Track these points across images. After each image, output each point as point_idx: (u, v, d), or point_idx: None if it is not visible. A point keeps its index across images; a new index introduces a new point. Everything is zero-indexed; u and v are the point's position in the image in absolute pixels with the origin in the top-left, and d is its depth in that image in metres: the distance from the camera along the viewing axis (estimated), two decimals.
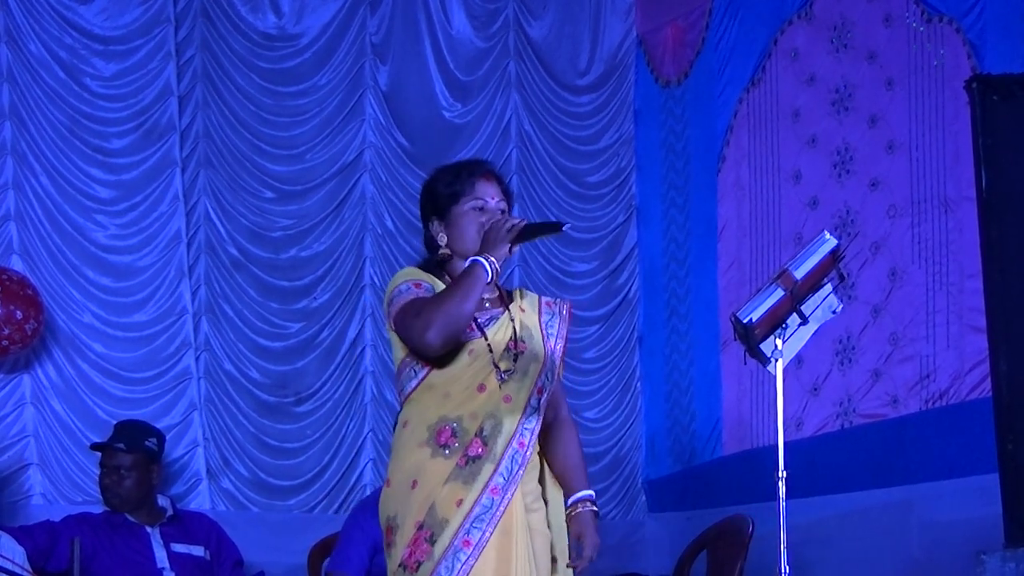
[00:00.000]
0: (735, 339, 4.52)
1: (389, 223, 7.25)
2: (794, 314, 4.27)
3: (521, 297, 3.77)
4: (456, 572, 3.48)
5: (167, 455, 6.38)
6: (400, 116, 7.39)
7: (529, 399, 3.62)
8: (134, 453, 5.83)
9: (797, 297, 4.24)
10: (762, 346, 4.29)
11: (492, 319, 3.66)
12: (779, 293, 4.22)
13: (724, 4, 7.29)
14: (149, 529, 5.78)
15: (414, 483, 3.56)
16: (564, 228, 3.57)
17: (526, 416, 3.60)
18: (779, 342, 4.27)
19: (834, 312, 4.34)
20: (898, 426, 6.18)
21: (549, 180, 7.65)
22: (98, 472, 5.93)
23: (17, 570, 5.29)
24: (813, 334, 4.39)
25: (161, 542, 5.76)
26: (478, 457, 3.55)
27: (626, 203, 7.80)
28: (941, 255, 6.05)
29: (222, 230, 7.03)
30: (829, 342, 6.44)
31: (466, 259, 3.58)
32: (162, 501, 5.92)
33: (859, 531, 6.19)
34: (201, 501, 6.75)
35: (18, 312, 6.15)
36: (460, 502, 3.52)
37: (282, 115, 7.18)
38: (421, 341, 3.51)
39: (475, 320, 3.61)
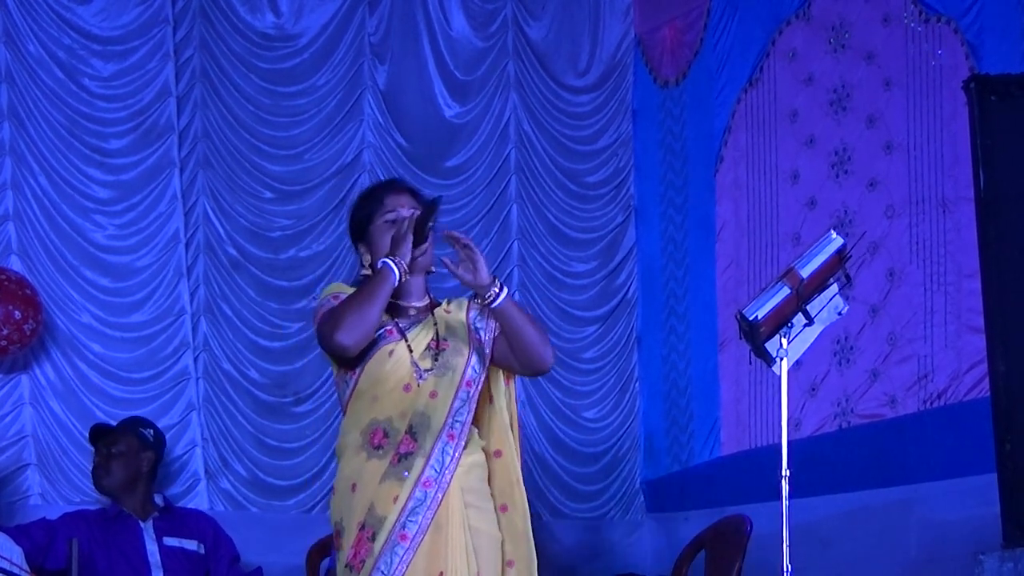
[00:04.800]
0: (740, 338, 4.53)
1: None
2: (800, 314, 4.28)
3: (448, 303, 3.89)
4: (394, 567, 3.61)
5: (166, 454, 6.38)
6: (399, 116, 7.39)
7: (457, 392, 3.74)
8: (125, 435, 5.87)
9: (803, 296, 4.25)
10: (767, 345, 4.30)
11: (414, 323, 3.80)
12: (785, 291, 4.23)
13: (722, 4, 7.29)
14: (142, 523, 5.79)
15: (354, 487, 3.70)
16: (440, 200, 3.77)
17: (455, 409, 3.72)
18: (784, 341, 4.27)
19: (840, 314, 4.35)
20: (896, 426, 6.18)
21: (548, 180, 7.65)
22: None
23: (15, 570, 5.29)
24: (818, 335, 4.39)
25: (153, 535, 5.78)
26: (409, 453, 3.68)
27: (624, 203, 7.80)
28: (939, 255, 6.06)
29: (221, 230, 7.03)
30: (827, 342, 6.44)
31: None
32: (157, 499, 5.94)
33: (857, 531, 6.19)
34: (200, 501, 6.75)
35: (17, 312, 6.16)
36: (396, 498, 3.64)
37: (281, 115, 7.17)
38: (331, 342, 3.65)
39: (397, 325, 3.76)
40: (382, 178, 7.26)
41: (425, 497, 3.65)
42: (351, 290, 3.78)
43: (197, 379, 6.88)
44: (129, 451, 5.88)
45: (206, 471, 6.84)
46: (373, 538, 3.63)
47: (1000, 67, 5.52)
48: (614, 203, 7.77)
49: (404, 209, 3.81)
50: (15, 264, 6.55)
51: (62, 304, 6.67)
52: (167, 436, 6.46)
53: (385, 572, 3.60)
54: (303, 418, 7.06)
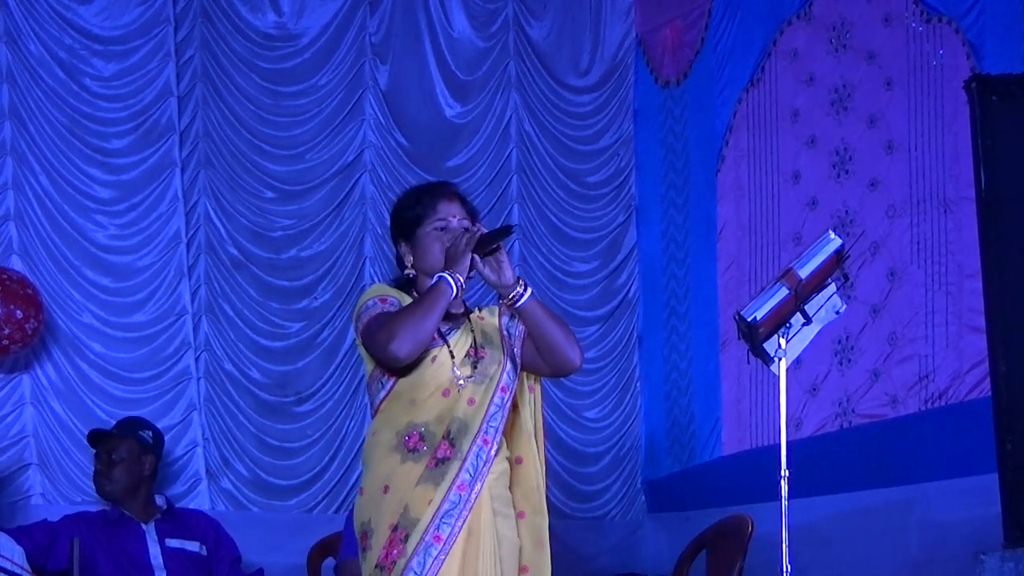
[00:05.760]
0: (738, 338, 4.53)
1: (389, 223, 7.24)
2: (798, 314, 4.29)
3: (480, 310, 3.91)
4: (427, 567, 3.61)
5: (167, 455, 6.39)
6: (400, 116, 7.39)
7: (492, 398, 3.76)
8: (126, 440, 5.86)
9: (801, 297, 4.25)
10: (765, 345, 4.30)
11: (454, 328, 3.80)
12: (783, 292, 4.23)
13: (723, 4, 7.29)
14: (144, 525, 5.79)
15: (386, 488, 3.69)
16: (512, 230, 3.81)
17: (490, 415, 3.74)
18: (783, 341, 4.28)
19: (838, 313, 4.36)
20: (897, 426, 6.18)
21: (549, 180, 7.65)
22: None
23: (16, 570, 5.29)
24: (816, 334, 4.40)
25: (156, 538, 5.77)
26: (446, 458, 3.68)
27: (626, 203, 7.80)
28: (940, 255, 6.05)
29: (222, 230, 7.03)
30: (828, 342, 6.44)
31: (432, 276, 3.74)
32: (159, 500, 5.94)
33: (858, 531, 6.19)
34: (201, 501, 6.75)
35: (18, 312, 6.16)
36: (430, 501, 3.65)
37: (282, 115, 7.18)
38: (386, 352, 3.65)
39: (439, 330, 3.75)
40: (383, 178, 7.28)
41: (459, 500, 3.66)
42: (395, 292, 3.80)
43: (198, 379, 6.88)
44: (130, 456, 5.86)
45: (207, 471, 6.84)
46: (406, 539, 3.62)
47: (1001, 67, 5.52)
48: (615, 203, 7.78)
49: (454, 220, 3.82)
50: (16, 264, 6.55)
51: (63, 304, 6.67)
52: (168, 436, 6.46)
53: (418, 572, 3.59)
54: (304, 418, 7.06)
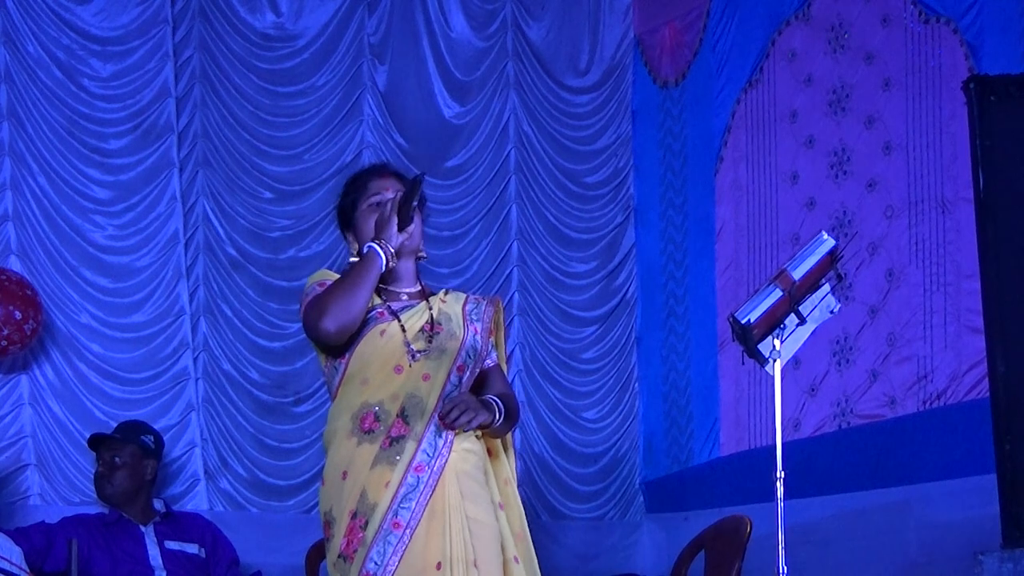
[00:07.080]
0: (733, 340, 4.54)
1: None
2: (792, 314, 4.29)
3: (446, 293, 3.82)
4: (387, 556, 3.51)
5: (165, 455, 6.38)
6: (398, 117, 7.39)
7: (449, 375, 3.66)
8: (128, 444, 5.87)
9: (795, 298, 4.26)
10: (760, 346, 4.31)
11: (407, 307, 3.72)
12: (777, 293, 4.24)
13: (722, 5, 7.30)
14: (143, 528, 5.79)
15: (344, 474, 3.59)
16: (421, 177, 3.70)
17: (447, 393, 3.64)
18: (777, 343, 4.28)
19: (832, 312, 4.37)
20: (896, 427, 6.18)
21: (547, 180, 7.65)
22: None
23: (15, 570, 5.29)
24: (811, 334, 4.40)
25: (155, 540, 5.78)
26: (401, 437, 3.59)
27: (624, 204, 7.81)
28: (938, 256, 6.06)
29: (220, 230, 7.03)
30: (826, 343, 6.45)
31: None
32: (157, 504, 5.94)
33: (856, 532, 6.19)
34: (199, 502, 6.75)
35: (17, 312, 6.16)
36: (387, 483, 3.55)
37: (280, 115, 7.18)
38: (316, 329, 3.59)
39: (389, 308, 3.68)
40: None
41: (418, 483, 3.55)
42: (333, 275, 3.72)
43: (196, 379, 6.88)
44: (132, 460, 5.87)
45: (205, 471, 6.83)
46: (365, 526, 3.53)
47: (999, 67, 5.53)
48: (613, 203, 7.78)
49: (389, 192, 3.74)
50: (15, 264, 6.56)
51: (62, 304, 6.67)
52: (166, 436, 6.46)
53: (378, 563, 3.49)
54: (303, 418, 7.05)
